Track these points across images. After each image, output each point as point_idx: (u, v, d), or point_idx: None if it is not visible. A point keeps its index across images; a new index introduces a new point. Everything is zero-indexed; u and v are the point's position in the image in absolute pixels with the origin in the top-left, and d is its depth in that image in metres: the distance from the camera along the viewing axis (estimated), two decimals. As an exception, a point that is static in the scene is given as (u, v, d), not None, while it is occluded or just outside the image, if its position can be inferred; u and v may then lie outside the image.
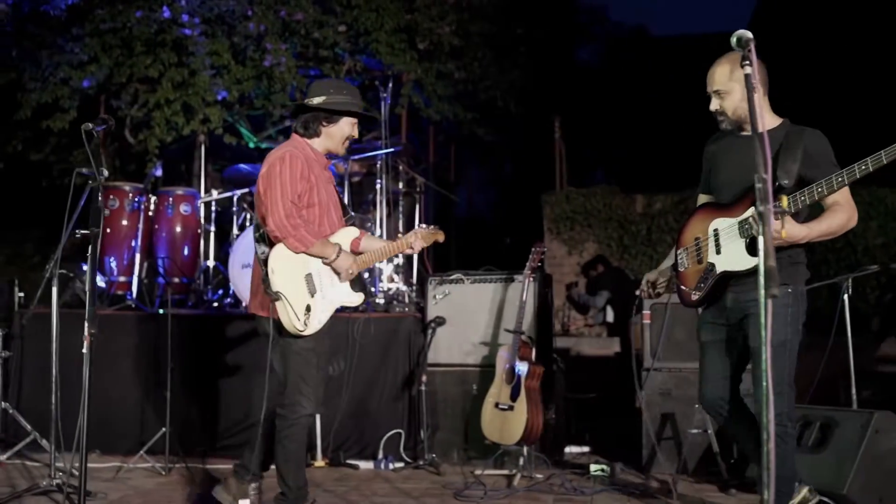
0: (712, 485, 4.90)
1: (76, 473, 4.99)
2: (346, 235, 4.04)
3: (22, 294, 6.65)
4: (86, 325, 3.06)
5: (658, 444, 5.29)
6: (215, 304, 6.66)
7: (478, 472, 5.29)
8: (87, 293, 3.07)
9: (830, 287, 6.71)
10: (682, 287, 3.64)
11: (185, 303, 6.67)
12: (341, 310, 4.09)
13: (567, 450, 5.91)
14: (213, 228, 7.06)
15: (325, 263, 3.88)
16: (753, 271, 3.12)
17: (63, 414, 5.56)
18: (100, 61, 8.56)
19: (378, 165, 6.90)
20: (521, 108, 9.97)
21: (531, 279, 5.39)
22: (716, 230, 3.48)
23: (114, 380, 6.05)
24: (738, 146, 3.52)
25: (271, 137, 10.94)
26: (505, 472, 5.24)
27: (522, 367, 5.10)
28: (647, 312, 5.50)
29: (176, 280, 6.65)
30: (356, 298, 4.07)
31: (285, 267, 3.83)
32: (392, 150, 6.83)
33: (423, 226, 4.08)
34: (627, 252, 8.72)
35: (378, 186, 6.91)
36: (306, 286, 3.86)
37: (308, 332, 3.84)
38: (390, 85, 6.93)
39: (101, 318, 6.15)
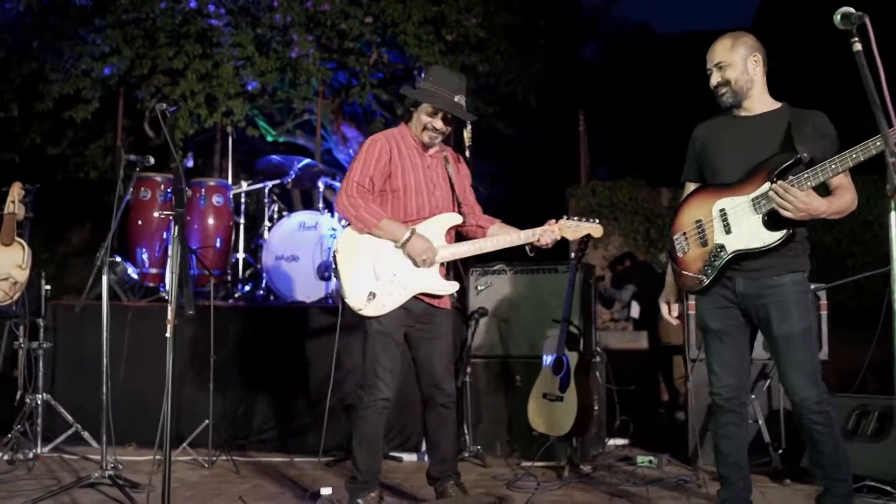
0: (764, 476, 4.85)
1: (120, 466, 5.02)
2: (442, 222, 3.94)
3: (49, 287, 6.59)
4: (169, 308, 2.98)
5: (704, 435, 5.26)
6: (240, 297, 6.61)
7: (524, 463, 5.24)
8: (178, 276, 2.99)
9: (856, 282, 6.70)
10: (686, 272, 3.47)
11: (216, 295, 6.60)
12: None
13: (608, 442, 5.88)
14: (242, 220, 7.01)
15: (396, 247, 3.81)
16: (773, 247, 3.22)
17: (97, 407, 5.54)
18: (122, 53, 8.50)
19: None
20: (541, 101, 9.92)
21: (577, 269, 5.33)
22: (722, 210, 3.35)
23: (148, 373, 5.96)
24: (738, 126, 3.44)
25: (289, 131, 10.91)
26: (552, 463, 5.18)
27: (572, 357, 5.05)
28: (690, 303, 5.44)
29: (208, 272, 6.58)
30: (441, 287, 3.94)
31: (350, 249, 3.84)
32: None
33: (574, 218, 3.88)
34: (654, 246, 8.67)
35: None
36: (373, 269, 3.83)
37: (367, 312, 3.83)
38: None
39: (134, 310, 6.14)
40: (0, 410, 6.04)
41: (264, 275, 6.50)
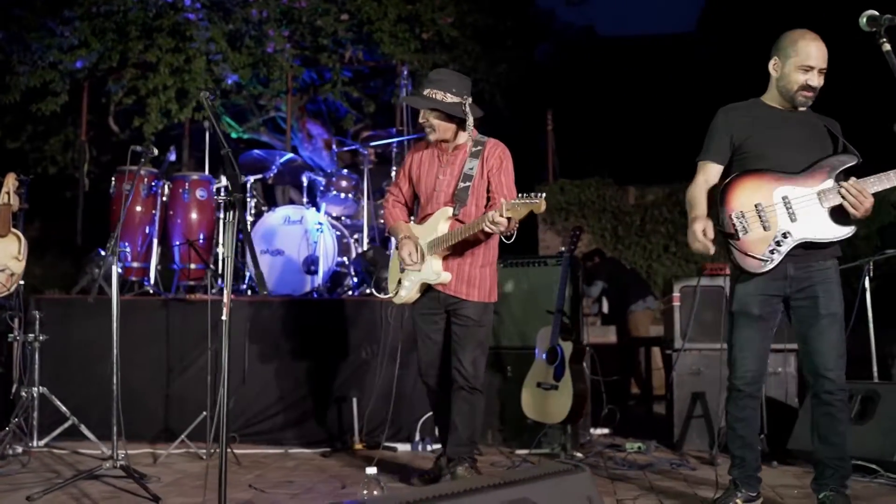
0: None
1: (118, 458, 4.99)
2: (439, 216, 4.21)
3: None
4: (225, 292, 3.01)
5: (688, 422, 5.47)
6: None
7: (518, 451, 5.38)
8: (251, 259, 3.02)
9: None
10: (749, 254, 3.48)
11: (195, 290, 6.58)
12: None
13: (592, 431, 6.05)
14: (221, 215, 6.98)
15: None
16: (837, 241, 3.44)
17: (84, 401, 5.50)
18: (90, 45, 8.38)
19: (393, 153, 6.93)
20: (508, 100, 10.08)
21: (568, 261, 5.49)
22: (785, 197, 3.47)
23: (136, 366, 5.93)
24: (784, 118, 3.61)
25: (252, 128, 10.87)
26: (546, 451, 5.33)
27: (566, 347, 5.20)
28: (676, 295, 5.66)
29: (192, 266, 6.57)
30: (436, 278, 4.18)
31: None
32: (416, 136, 6.85)
33: (520, 196, 3.87)
34: (621, 242, 8.92)
35: (393, 174, 6.93)
36: (398, 262, 4.26)
37: (396, 300, 4.36)
38: (405, 72, 6.95)
39: (120, 304, 6.08)
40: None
41: (247, 269, 6.51)
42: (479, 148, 4.22)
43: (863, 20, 2.87)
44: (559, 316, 5.29)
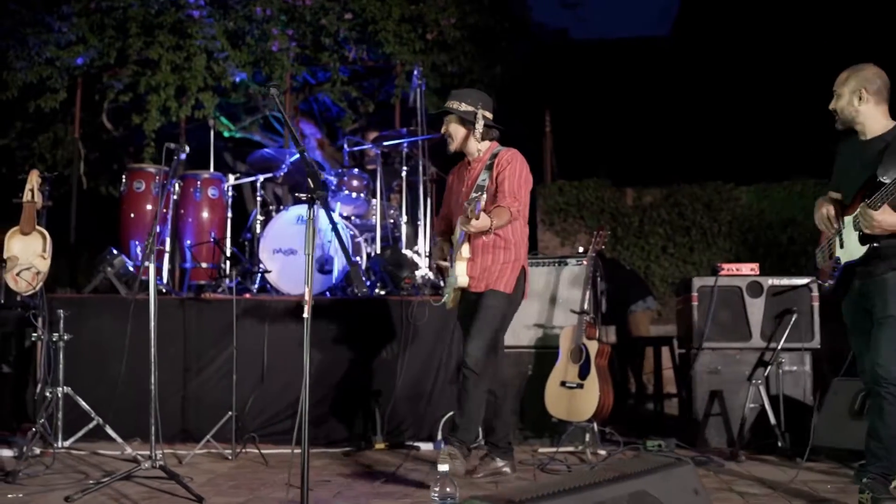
0: (771, 455, 5.16)
1: (141, 460, 4.94)
2: (458, 226, 4.49)
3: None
4: (306, 290, 3.00)
5: (706, 420, 5.56)
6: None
7: (541, 449, 5.42)
8: (346, 258, 3.01)
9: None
10: (821, 281, 4.11)
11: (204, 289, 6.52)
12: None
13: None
14: (230, 214, 6.94)
15: None
16: (867, 257, 3.70)
17: (97, 401, 5.42)
18: (88, 42, 8.27)
19: (404, 153, 6.91)
20: (503, 102, 10.11)
21: (593, 262, 5.55)
22: (838, 228, 3.88)
23: (147, 366, 5.83)
24: (856, 148, 3.89)
25: (244, 127, 10.78)
26: (570, 448, 5.36)
27: (591, 346, 5.26)
28: (694, 294, 5.74)
29: (204, 265, 6.52)
30: (456, 281, 4.51)
31: None
32: (429, 136, 6.86)
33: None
34: (620, 244, 9.02)
35: (404, 174, 6.91)
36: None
37: (448, 305, 4.69)
38: (416, 72, 6.96)
39: (136, 303, 6.00)
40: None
41: (260, 268, 6.45)
42: (492, 161, 4.49)
43: None
44: (582, 316, 5.34)
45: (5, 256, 4.81)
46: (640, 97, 11.38)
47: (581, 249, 5.93)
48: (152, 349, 4.31)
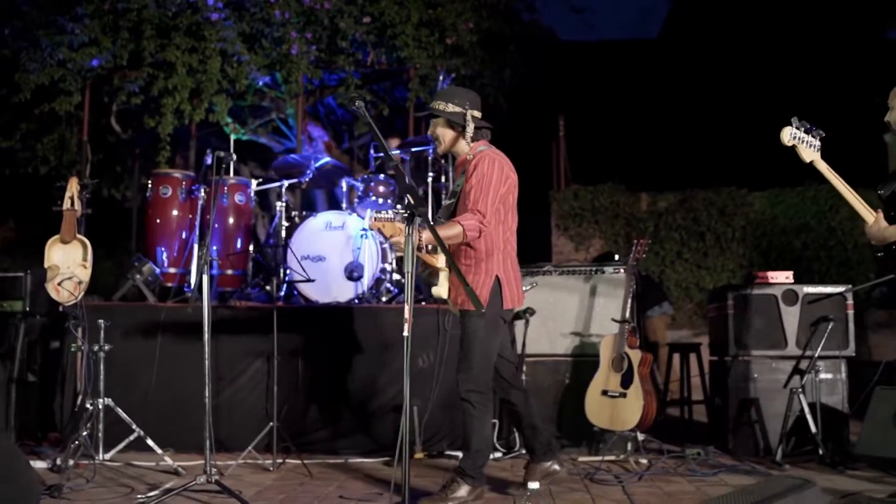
0: (811, 463, 5.17)
1: (183, 471, 4.88)
2: None
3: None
4: (406, 307, 2.94)
5: (739, 428, 5.57)
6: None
7: (581, 458, 5.40)
8: (459, 278, 2.95)
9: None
10: None
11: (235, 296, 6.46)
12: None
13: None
14: (253, 221, 6.88)
15: None
16: None
17: (134, 410, 5.33)
18: (100, 44, 8.15)
19: (429, 157, 6.87)
20: (512, 105, 10.11)
21: (634, 270, 5.54)
22: None
23: (181, 375, 5.79)
24: None
25: (252, 130, 10.69)
26: (611, 457, 5.34)
27: (634, 355, 5.25)
28: (730, 303, 5.74)
29: (230, 272, 6.45)
30: (436, 291, 4.33)
31: None
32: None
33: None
34: (635, 248, 9.02)
35: (429, 179, 6.86)
36: None
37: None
38: (442, 76, 6.92)
39: (166, 311, 5.93)
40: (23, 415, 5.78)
41: (288, 275, 6.39)
42: (472, 163, 4.20)
43: None
44: (623, 325, 5.33)
45: (46, 266, 4.72)
46: (653, 102, 11.42)
47: (616, 257, 5.93)
48: (206, 361, 4.27)
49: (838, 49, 10.95)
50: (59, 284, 4.68)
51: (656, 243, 9.02)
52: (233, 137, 10.46)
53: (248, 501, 4.05)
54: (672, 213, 9.13)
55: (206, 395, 4.24)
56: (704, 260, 9.06)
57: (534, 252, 7.76)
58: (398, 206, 3.79)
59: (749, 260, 8.96)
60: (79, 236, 4.77)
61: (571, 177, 9.65)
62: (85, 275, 4.73)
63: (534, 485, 3.00)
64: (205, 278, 4.19)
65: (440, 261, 4.19)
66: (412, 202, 2.91)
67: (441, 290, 4.24)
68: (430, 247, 4.17)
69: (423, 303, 5.93)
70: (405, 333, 2.96)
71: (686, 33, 13.05)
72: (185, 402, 5.74)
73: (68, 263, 4.71)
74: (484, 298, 4.09)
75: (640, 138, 11.25)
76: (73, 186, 4.80)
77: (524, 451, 5.44)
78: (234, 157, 4.63)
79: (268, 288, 6.64)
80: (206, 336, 4.21)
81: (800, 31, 11.26)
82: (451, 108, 4.24)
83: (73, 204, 4.78)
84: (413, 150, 6.81)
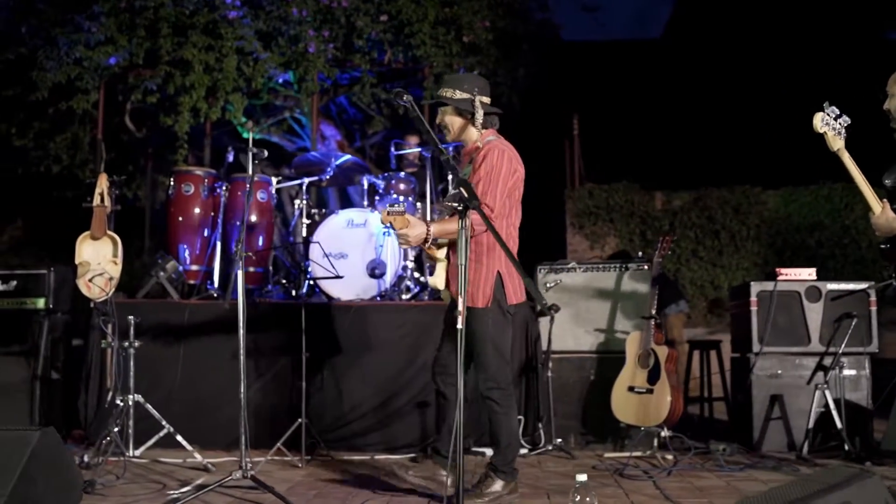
0: (836, 459, 5.18)
1: (212, 468, 4.89)
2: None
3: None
4: (459, 300, 2.94)
5: (767, 424, 5.58)
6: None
7: (607, 454, 5.41)
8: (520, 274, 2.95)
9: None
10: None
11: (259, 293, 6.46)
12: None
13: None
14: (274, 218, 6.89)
15: None
16: None
17: (159, 407, 5.32)
18: (116, 42, 8.16)
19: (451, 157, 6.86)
20: (526, 104, 10.12)
21: (660, 267, 5.55)
22: None
23: (207, 372, 5.81)
24: None
25: (263, 129, 10.71)
26: (638, 453, 5.35)
27: (661, 351, 5.26)
28: (753, 299, 5.76)
29: (251, 270, 6.44)
30: (436, 283, 4.30)
31: None
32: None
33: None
34: (650, 246, 9.02)
35: (450, 177, 6.86)
36: None
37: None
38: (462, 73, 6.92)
39: (190, 308, 5.94)
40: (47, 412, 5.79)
41: (310, 272, 6.39)
42: (481, 152, 4.11)
43: None
44: (649, 322, 5.35)
45: (77, 262, 4.73)
46: (667, 100, 11.44)
47: (639, 253, 5.94)
48: (242, 358, 4.26)
49: (853, 46, 10.99)
50: (90, 281, 4.68)
51: (672, 242, 9.03)
52: (252, 136, 10.56)
53: (284, 496, 4.03)
54: (687, 212, 9.16)
55: (242, 390, 4.24)
56: (719, 258, 9.08)
57: (549, 250, 7.80)
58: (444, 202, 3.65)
59: (764, 258, 8.98)
60: (109, 232, 4.78)
61: (585, 175, 9.67)
62: (115, 271, 4.74)
63: (582, 476, 3.00)
64: (240, 274, 4.19)
65: (440, 253, 4.17)
66: (465, 195, 2.91)
67: (437, 280, 4.20)
68: (438, 240, 4.12)
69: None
70: (459, 326, 2.95)
71: (698, 33, 13.06)
72: (209, 400, 5.77)
73: (99, 260, 4.72)
74: (488, 296, 4.07)
75: (653, 137, 11.27)
76: (102, 183, 4.81)
77: (550, 448, 5.52)
78: (265, 153, 4.59)
79: (284, 283, 6.72)
80: (242, 332, 4.21)
81: (814, 27, 11.29)
82: (458, 94, 4.10)
83: (102, 200, 4.78)
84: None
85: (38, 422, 5.65)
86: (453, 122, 4.17)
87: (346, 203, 10.56)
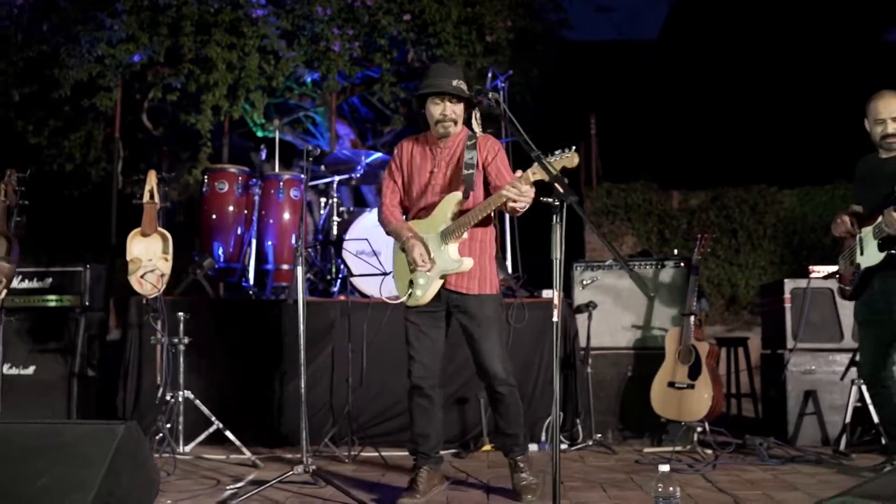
0: (873, 454, 5.25)
1: (261, 464, 4.91)
2: (444, 206, 4.07)
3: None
4: (554, 293, 2.97)
5: (801, 418, 5.66)
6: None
7: (646, 450, 5.47)
8: (625, 268, 2.99)
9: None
10: (842, 285, 4.71)
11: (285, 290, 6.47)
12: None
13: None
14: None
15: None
16: (884, 263, 4.29)
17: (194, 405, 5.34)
18: (138, 39, 8.16)
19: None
20: (542, 104, 10.17)
21: (699, 265, 5.61)
22: (860, 237, 4.46)
23: (246, 368, 5.82)
24: (878, 165, 4.49)
25: (279, 128, 10.70)
26: (678, 447, 5.40)
27: (701, 347, 5.32)
28: (787, 296, 5.84)
29: (285, 267, 6.46)
30: (457, 265, 4.05)
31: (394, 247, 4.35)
32: (510, 139, 6.85)
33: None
34: (667, 245, 9.12)
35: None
36: (406, 263, 4.18)
37: (410, 302, 4.22)
38: (498, 76, 6.96)
39: (226, 305, 5.96)
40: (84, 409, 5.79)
41: (342, 271, 6.41)
42: (474, 140, 4.13)
43: None
44: (689, 318, 5.41)
45: (128, 259, 4.74)
46: (684, 100, 11.53)
47: (676, 251, 6.00)
48: (301, 353, 4.27)
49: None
50: (142, 277, 4.69)
51: (690, 240, 9.12)
52: (259, 134, 10.57)
53: (347, 490, 4.05)
54: (704, 211, 9.25)
55: (302, 386, 4.27)
56: (736, 257, 9.17)
57: (567, 249, 7.81)
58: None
59: (780, 257, 9.08)
60: (159, 229, 4.79)
61: (602, 175, 9.74)
62: (167, 267, 4.76)
63: (664, 467, 3.04)
64: (299, 270, 4.21)
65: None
66: (561, 191, 2.94)
67: (460, 263, 4.04)
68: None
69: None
70: (555, 319, 2.98)
71: (707, 34, 13.16)
72: (249, 397, 5.79)
73: (150, 256, 4.73)
74: (496, 283, 4.22)
75: (670, 137, 11.36)
76: (151, 180, 4.83)
77: (590, 443, 5.58)
78: (318, 151, 4.61)
79: (310, 278, 6.73)
80: (301, 328, 4.24)
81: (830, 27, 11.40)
82: (463, 86, 4.09)
83: (152, 197, 4.79)
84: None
85: (76, 419, 5.65)
86: (460, 114, 4.13)
87: (360, 202, 10.59)
